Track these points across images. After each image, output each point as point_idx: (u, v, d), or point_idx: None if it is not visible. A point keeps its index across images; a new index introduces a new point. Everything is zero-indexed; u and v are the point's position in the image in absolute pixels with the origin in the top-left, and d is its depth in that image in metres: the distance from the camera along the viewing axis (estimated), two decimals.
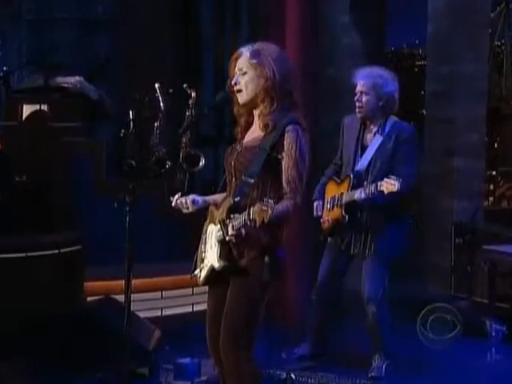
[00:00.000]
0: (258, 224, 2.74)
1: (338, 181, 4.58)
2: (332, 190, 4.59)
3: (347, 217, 4.42)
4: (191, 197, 3.20)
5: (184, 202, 3.20)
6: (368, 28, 7.20)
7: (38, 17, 7.79)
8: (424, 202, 6.92)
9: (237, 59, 3.12)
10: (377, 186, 4.14)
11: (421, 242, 6.79)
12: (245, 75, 3.06)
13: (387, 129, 4.48)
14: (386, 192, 4.07)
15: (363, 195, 4.29)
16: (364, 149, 4.52)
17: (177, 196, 3.23)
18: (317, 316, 4.76)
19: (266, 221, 2.72)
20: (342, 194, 4.48)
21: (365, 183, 4.35)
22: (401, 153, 4.41)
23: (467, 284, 6.08)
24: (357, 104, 4.51)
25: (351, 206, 4.42)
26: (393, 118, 4.53)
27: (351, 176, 4.46)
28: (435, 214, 6.66)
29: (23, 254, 4.38)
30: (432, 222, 6.67)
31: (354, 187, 4.39)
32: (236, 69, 3.11)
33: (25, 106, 5.84)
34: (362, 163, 4.48)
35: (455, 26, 6.60)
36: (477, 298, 5.97)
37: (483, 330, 5.49)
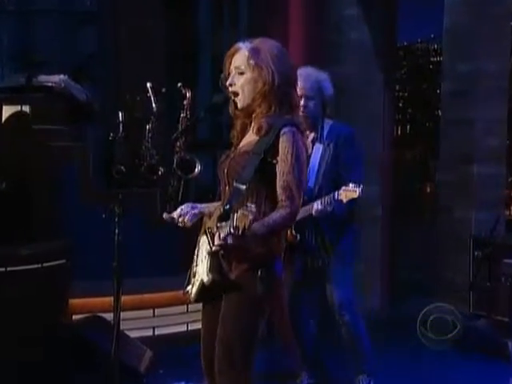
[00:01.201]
0: (240, 231, 2.70)
1: None
2: None
3: (299, 235, 4.43)
4: (190, 211, 3.17)
5: (182, 219, 3.16)
6: (378, 21, 7.15)
7: (19, 9, 7.83)
8: (440, 213, 6.94)
9: (233, 55, 3.08)
10: (334, 195, 4.13)
11: (437, 255, 6.81)
12: (241, 76, 3.05)
13: (325, 134, 4.49)
14: (345, 200, 4.08)
15: (320, 206, 4.26)
16: None
17: (179, 210, 3.20)
18: (300, 336, 4.75)
19: (247, 227, 2.68)
20: None
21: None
22: (344, 157, 4.44)
23: (487, 301, 6.08)
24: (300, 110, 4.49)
25: (302, 224, 4.38)
26: (328, 122, 4.53)
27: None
28: (452, 225, 6.67)
29: (3, 269, 4.39)
30: (449, 233, 6.69)
31: (305, 204, 4.40)
32: (232, 66, 3.08)
33: (4, 107, 5.86)
34: (310, 178, 4.45)
35: (474, 18, 6.62)
36: (497, 317, 5.97)
37: (504, 352, 5.49)
